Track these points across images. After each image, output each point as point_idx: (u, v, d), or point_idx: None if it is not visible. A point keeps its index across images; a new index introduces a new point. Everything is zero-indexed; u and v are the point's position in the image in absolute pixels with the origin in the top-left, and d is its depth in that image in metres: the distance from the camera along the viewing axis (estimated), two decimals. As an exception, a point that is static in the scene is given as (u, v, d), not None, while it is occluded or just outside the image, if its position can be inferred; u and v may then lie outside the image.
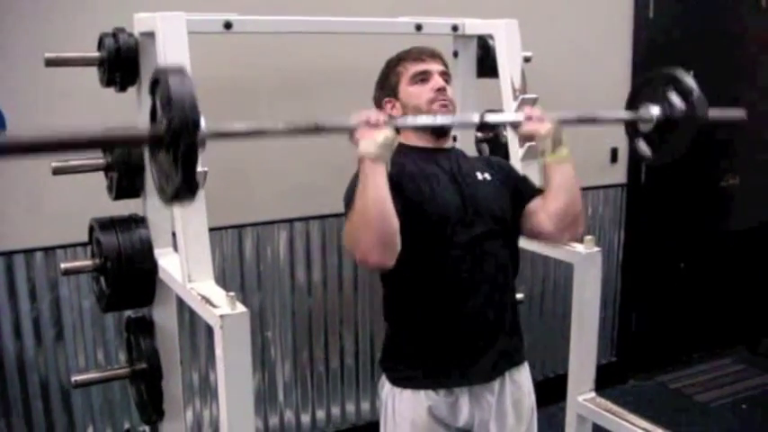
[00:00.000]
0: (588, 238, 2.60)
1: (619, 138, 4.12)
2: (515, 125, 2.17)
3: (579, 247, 2.61)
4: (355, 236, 1.87)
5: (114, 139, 1.68)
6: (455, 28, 2.83)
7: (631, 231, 4.34)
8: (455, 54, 2.89)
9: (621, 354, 4.49)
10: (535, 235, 2.20)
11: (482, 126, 2.17)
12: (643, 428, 2.47)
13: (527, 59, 2.82)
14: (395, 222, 1.86)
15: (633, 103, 2.39)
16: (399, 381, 2.17)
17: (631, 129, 2.40)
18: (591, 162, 4.08)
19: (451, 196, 2.09)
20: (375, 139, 1.82)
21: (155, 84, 1.53)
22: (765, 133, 4.67)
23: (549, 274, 4.08)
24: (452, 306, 2.09)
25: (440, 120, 2.12)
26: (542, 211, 2.13)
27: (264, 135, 1.79)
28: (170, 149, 1.45)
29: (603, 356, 4.30)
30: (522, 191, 2.22)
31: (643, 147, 2.38)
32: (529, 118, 2.10)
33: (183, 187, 1.47)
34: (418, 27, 2.69)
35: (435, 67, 2.17)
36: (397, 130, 2.05)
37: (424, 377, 2.12)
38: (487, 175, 2.19)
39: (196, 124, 1.42)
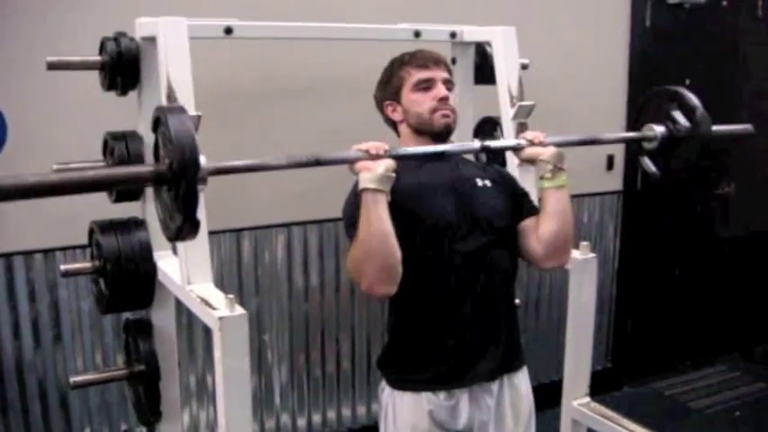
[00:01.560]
0: (584, 243, 2.61)
1: (615, 145, 4.17)
2: (517, 149, 2.20)
3: (575, 253, 2.62)
4: (359, 267, 1.92)
5: (117, 180, 1.71)
6: (453, 35, 2.85)
7: (627, 238, 4.36)
8: (453, 61, 2.91)
9: (616, 360, 4.50)
10: (522, 256, 2.23)
11: (483, 150, 2.20)
12: (637, 434, 2.49)
13: (524, 67, 2.83)
14: (397, 254, 1.91)
15: (637, 120, 2.41)
16: (398, 383, 2.18)
17: (636, 147, 2.43)
18: (587, 169, 4.10)
19: (450, 205, 2.10)
20: (375, 172, 1.86)
21: (156, 121, 1.57)
22: (761, 142, 4.69)
23: (544, 280, 4.09)
24: (451, 313, 2.11)
25: (441, 148, 2.13)
26: (533, 234, 2.16)
27: (265, 169, 1.82)
28: (172, 188, 1.50)
29: (598, 362, 4.32)
30: (521, 207, 2.23)
31: (649, 164, 2.41)
32: (531, 143, 2.14)
33: (186, 225, 1.51)
34: (417, 34, 2.71)
35: (439, 74, 2.19)
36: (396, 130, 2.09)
37: (423, 381, 2.14)
38: (488, 182, 2.20)
39: (195, 165, 1.47)
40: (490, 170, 2.31)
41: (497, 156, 2.77)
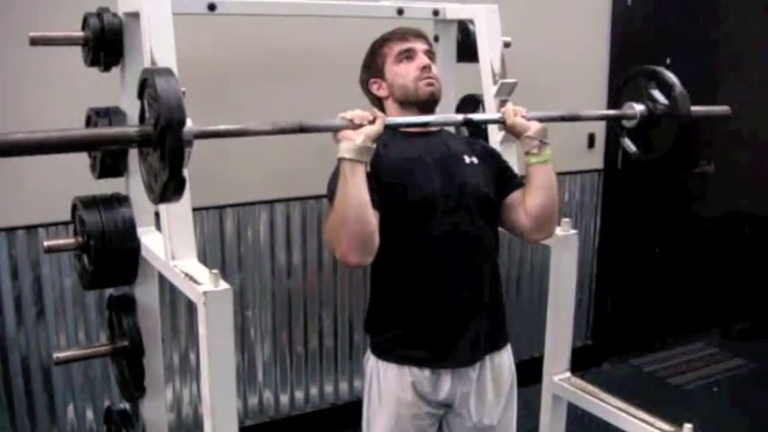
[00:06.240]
0: (565, 220, 2.64)
1: (596, 124, 4.19)
2: (500, 122, 2.22)
3: (556, 230, 2.65)
4: (335, 236, 1.93)
5: (103, 140, 1.69)
6: (436, 12, 2.85)
7: (607, 216, 4.40)
8: (436, 38, 2.91)
9: (596, 337, 4.55)
10: (509, 230, 2.27)
11: (466, 123, 2.21)
12: (617, 408, 2.50)
13: (507, 45, 2.84)
14: (373, 224, 1.92)
15: (617, 99, 2.44)
16: (383, 353, 2.20)
17: (616, 126, 2.45)
18: (568, 147, 4.12)
19: (437, 180, 2.12)
20: (354, 142, 1.85)
21: (143, 84, 1.58)
22: (741, 122, 4.73)
23: (525, 257, 4.12)
24: (434, 289, 2.12)
25: (425, 119, 2.13)
26: (521, 207, 2.20)
27: (250, 134, 1.80)
28: (158, 148, 1.50)
29: (579, 339, 4.36)
30: (506, 180, 2.26)
31: (629, 144, 2.44)
32: (514, 116, 2.15)
33: (172, 184, 1.51)
34: (399, 11, 2.70)
35: (420, 45, 2.21)
36: (383, 109, 2.10)
37: (405, 357, 2.16)
38: (475, 159, 2.22)
39: (181, 122, 1.48)
40: (477, 147, 2.32)
41: (480, 131, 2.78)
